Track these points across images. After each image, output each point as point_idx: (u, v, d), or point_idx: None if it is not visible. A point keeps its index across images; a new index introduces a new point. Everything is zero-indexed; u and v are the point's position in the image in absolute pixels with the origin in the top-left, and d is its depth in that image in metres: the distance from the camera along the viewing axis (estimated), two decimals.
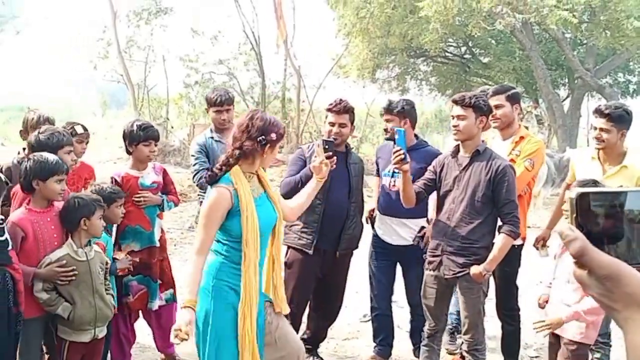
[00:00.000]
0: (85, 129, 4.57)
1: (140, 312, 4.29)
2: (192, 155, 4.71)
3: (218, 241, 3.06)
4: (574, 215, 0.93)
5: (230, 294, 3.00)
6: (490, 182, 3.60)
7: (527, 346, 4.83)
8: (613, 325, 4.06)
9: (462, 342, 3.88)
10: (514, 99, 4.25)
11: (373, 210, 4.57)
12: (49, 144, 3.65)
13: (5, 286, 2.97)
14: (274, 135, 3.07)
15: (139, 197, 4.10)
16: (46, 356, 3.54)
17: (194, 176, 4.61)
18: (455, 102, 3.71)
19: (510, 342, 4.30)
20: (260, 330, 3.11)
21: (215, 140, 4.73)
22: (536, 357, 4.86)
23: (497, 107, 4.18)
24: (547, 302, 3.64)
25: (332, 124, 4.22)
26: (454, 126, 3.69)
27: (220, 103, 4.71)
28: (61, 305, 3.27)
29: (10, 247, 3.06)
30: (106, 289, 3.48)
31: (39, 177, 3.25)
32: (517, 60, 18.23)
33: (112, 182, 4.06)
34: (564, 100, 19.03)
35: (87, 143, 4.54)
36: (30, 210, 3.28)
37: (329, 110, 4.26)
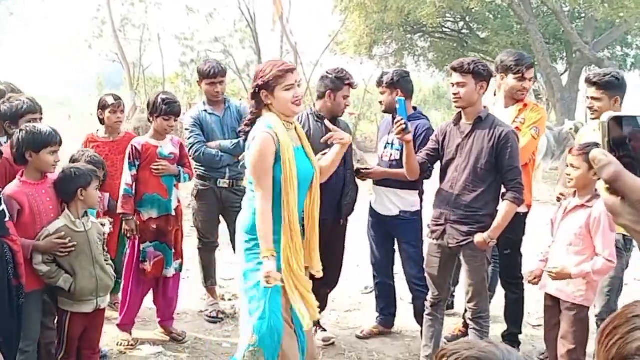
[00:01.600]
0: (116, 98, 4.64)
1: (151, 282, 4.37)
2: (187, 129, 4.68)
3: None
4: (606, 139, 0.89)
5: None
6: (493, 148, 3.55)
7: (530, 315, 4.83)
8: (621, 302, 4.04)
9: (466, 310, 3.86)
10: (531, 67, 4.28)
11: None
12: (9, 114, 3.58)
13: (4, 257, 2.92)
14: (260, 81, 3.12)
15: (157, 166, 4.19)
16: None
17: (189, 149, 4.56)
18: (454, 69, 3.63)
19: (514, 310, 4.30)
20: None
21: (209, 113, 4.70)
22: (539, 325, 4.85)
23: (531, 79, 4.21)
24: (537, 277, 3.60)
25: (347, 97, 4.25)
26: (454, 94, 3.62)
27: (214, 75, 4.66)
28: (62, 277, 3.24)
29: (7, 218, 3.01)
30: (105, 259, 3.45)
31: (32, 148, 3.18)
32: (515, 35, 18.08)
33: (132, 150, 4.16)
34: (562, 74, 18.92)
35: (122, 112, 4.64)
36: (25, 182, 3.23)
37: (349, 84, 4.21)
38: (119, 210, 4.17)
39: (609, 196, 0.87)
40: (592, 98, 3.80)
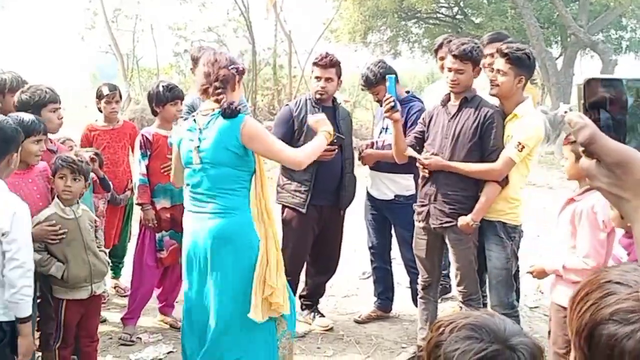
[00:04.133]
0: (112, 88, 4.66)
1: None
2: (181, 117, 4.65)
3: (234, 194, 3.12)
4: (582, 101, 0.88)
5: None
6: (477, 128, 3.51)
7: (526, 297, 4.85)
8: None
9: (457, 294, 3.85)
10: None
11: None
12: (32, 103, 3.58)
13: None
14: (241, 67, 3.18)
15: (167, 167, 4.13)
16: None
17: None
18: (456, 56, 3.55)
19: None
20: None
21: (203, 100, 4.67)
22: (535, 307, 4.89)
23: (494, 55, 4.07)
24: (542, 272, 3.31)
25: (319, 79, 4.18)
26: (453, 80, 3.55)
27: None
28: (54, 265, 3.25)
29: None
30: (98, 247, 3.46)
31: None
32: (509, 19, 18.03)
33: (143, 140, 4.15)
34: (557, 58, 18.90)
35: (117, 102, 4.67)
36: None
37: (315, 64, 4.20)
38: (137, 200, 4.20)
39: (585, 159, 0.87)
40: (498, 71, 3.50)
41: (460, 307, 3.89)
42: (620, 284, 0.87)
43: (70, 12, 18.76)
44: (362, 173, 4.69)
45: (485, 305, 3.83)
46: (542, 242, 6.00)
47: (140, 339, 4.22)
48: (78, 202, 3.39)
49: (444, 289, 4.50)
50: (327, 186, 4.20)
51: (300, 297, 4.56)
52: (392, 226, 4.46)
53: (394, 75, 3.75)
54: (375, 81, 4.22)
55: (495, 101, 3.66)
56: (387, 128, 4.30)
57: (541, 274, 3.28)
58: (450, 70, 3.59)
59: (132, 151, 4.86)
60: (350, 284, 5.40)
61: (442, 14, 21.34)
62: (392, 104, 3.54)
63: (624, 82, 0.88)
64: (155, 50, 17.51)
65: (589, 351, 0.95)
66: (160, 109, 4.20)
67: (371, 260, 4.65)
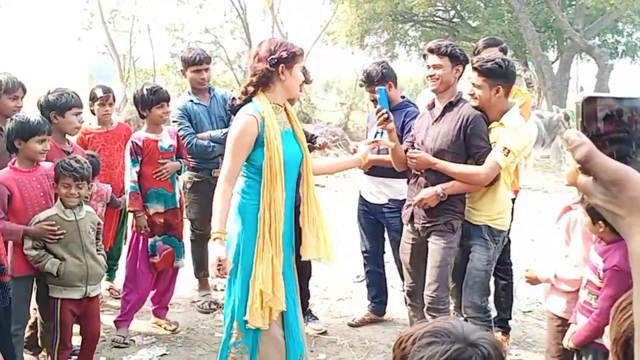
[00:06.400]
0: (105, 91, 4.67)
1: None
2: (175, 121, 4.62)
3: (242, 177, 3.04)
4: (580, 119, 0.90)
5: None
6: (460, 131, 3.49)
7: (520, 301, 4.86)
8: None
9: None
10: (504, 52, 4.22)
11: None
12: (58, 105, 3.67)
13: None
14: (284, 53, 2.99)
15: (160, 172, 4.18)
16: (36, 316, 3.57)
17: None
18: (432, 50, 3.58)
19: (504, 296, 4.32)
20: (289, 279, 3.18)
21: (195, 103, 4.67)
22: (529, 311, 4.90)
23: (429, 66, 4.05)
24: (535, 279, 3.25)
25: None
26: (431, 76, 3.57)
27: (199, 62, 4.64)
28: (49, 261, 3.28)
29: None
30: (98, 250, 3.50)
31: (20, 137, 3.26)
32: (505, 23, 18.12)
33: (133, 146, 4.14)
34: (553, 62, 18.98)
35: (110, 105, 4.68)
36: (15, 169, 3.29)
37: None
38: (129, 208, 4.21)
39: (581, 176, 0.89)
40: (473, 85, 3.51)
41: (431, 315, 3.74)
42: None
43: (67, 13, 18.74)
44: (356, 176, 4.70)
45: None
46: (536, 246, 6.02)
47: (134, 341, 4.22)
48: (81, 204, 3.43)
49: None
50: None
51: None
52: (385, 230, 4.47)
53: (384, 87, 3.76)
54: (376, 79, 4.21)
55: None
56: (382, 132, 4.29)
57: (534, 281, 3.26)
58: (428, 67, 3.59)
59: None
60: (344, 288, 5.41)
61: (438, 17, 21.39)
62: (385, 115, 3.55)
63: (622, 100, 0.90)
64: (152, 51, 17.52)
65: (624, 359, 0.98)
66: (146, 112, 4.18)
67: (364, 264, 4.66)
